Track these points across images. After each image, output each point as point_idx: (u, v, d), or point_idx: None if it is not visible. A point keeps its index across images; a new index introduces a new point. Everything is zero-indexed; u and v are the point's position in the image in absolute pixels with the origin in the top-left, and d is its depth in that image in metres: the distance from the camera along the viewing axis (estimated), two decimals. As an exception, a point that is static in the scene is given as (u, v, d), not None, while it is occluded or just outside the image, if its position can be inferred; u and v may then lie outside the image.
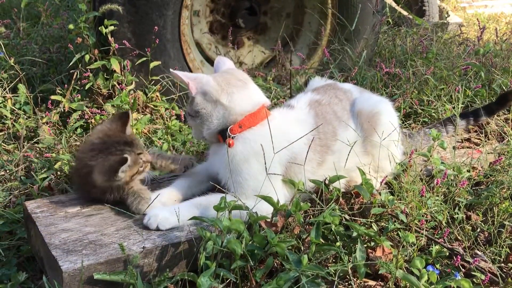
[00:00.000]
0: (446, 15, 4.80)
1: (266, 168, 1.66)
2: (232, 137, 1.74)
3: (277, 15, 3.62)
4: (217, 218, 1.51)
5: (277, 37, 3.46)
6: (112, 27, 2.76)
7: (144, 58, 2.77)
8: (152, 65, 2.79)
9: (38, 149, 2.49)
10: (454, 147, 2.27)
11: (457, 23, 4.95)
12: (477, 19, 3.74)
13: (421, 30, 4.17)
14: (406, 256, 1.68)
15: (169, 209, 1.67)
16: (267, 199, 1.62)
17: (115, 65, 2.75)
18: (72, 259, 1.48)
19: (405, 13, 5.00)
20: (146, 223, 1.66)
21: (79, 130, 2.69)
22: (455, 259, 1.70)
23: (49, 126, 2.57)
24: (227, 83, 1.78)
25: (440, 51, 3.29)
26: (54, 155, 2.28)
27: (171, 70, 1.77)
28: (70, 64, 2.84)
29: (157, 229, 1.65)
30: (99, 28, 2.75)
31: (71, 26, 2.88)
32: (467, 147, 2.50)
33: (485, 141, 2.47)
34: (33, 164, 2.35)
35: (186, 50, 3.10)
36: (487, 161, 2.29)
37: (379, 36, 3.62)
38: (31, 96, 2.84)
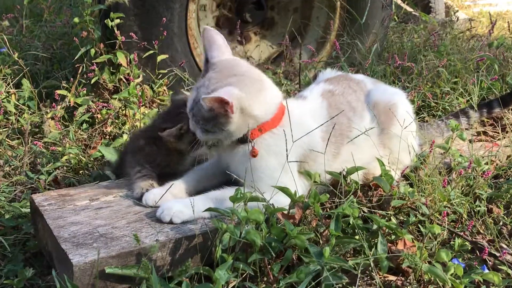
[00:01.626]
0: (454, 11, 4.75)
1: (285, 163, 1.60)
2: (253, 144, 1.64)
3: (284, 10, 3.57)
4: (235, 208, 1.44)
5: (284, 32, 3.41)
6: (118, 20, 2.71)
7: (151, 51, 2.71)
8: (159, 58, 2.74)
9: (43, 144, 2.43)
10: (470, 141, 2.21)
11: (465, 19, 4.89)
12: (489, 12, 3.68)
13: (428, 26, 4.11)
14: (430, 249, 1.61)
15: (184, 202, 1.61)
16: (284, 190, 1.56)
17: (121, 58, 2.69)
18: (83, 252, 1.42)
19: (410, 9, 4.95)
20: (159, 216, 1.59)
21: (84, 125, 2.63)
22: (478, 252, 1.65)
23: (55, 121, 2.51)
24: (255, 91, 1.62)
25: (451, 45, 3.23)
26: (60, 149, 2.22)
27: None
28: (76, 58, 2.79)
29: (170, 222, 1.59)
30: (105, 21, 2.70)
31: (76, 20, 2.82)
32: (483, 141, 2.44)
33: (503, 135, 2.40)
34: (38, 159, 2.30)
35: (193, 45, 3.04)
36: (504, 154, 2.23)
37: (388, 30, 3.56)
38: (36, 92, 2.78)
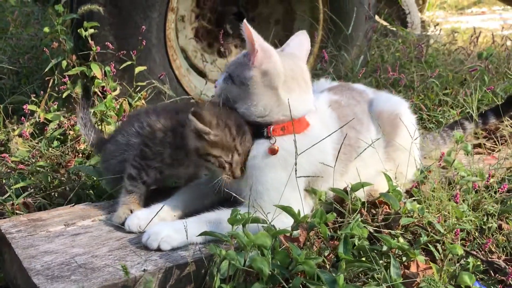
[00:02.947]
0: (434, 24, 4.75)
1: (293, 178, 1.45)
2: (274, 141, 1.51)
3: (265, 22, 3.46)
4: (236, 232, 1.27)
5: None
6: (92, 30, 2.53)
7: (129, 62, 2.52)
8: (137, 70, 2.56)
9: (9, 163, 2.20)
10: (471, 153, 2.10)
11: (441, 34, 4.90)
12: (474, 27, 3.67)
13: (409, 40, 4.07)
14: (449, 271, 1.46)
15: (173, 226, 1.43)
16: (287, 210, 1.40)
17: (96, 70, 2.50)
18: (59, 286, 1.22)
19: (385, 23, 4.93)
20: (145, 242, 1.41)
21: (55, 143, 2.42)
22: (493, 273, 1.52)
23: (23, 138, 2.29)
24: (292, 78, 1.54)
25: (437, 57, 3.17)
26: (29, 168, 2.01)
27: (244, 21, 1.46)
28: (46, 70, 2.59)
29: (158, 249, 1.40)
30: (78, 31, 2.51)
31: (46, 29, 2.62)
32: (481, 153, 2.34)
33: (501, 147, 2.31)
34: (4, 180, 2.08)
35: (172, 56, 2.88)
36: (503, 167, 2.13)
37: (371, 43, 3.48)
38: (1, 108, 2.56)
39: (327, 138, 1.53)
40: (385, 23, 5.05)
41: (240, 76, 1.52)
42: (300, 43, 1.68)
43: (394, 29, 4.79)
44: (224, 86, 1.57)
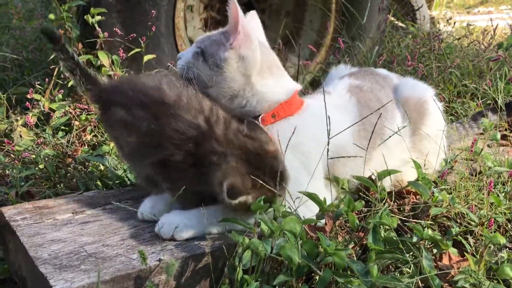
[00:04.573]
0: (447, 19, 4.67)
1: (310, 165, 1.36)
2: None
3: (275, 14, 3.36)
4: (262, 217, 1.17)
5: (276, 37, 3.19)
6: (99, 17, 2.44)
7: (138, 50, 2.43)
8: (146, 58, 2.46)
9: (13, 154, 2.11)
10: (498, 142, 2.00)
11: (450, 30, 4.81)
12: (490, 18, 3.58)
13: (419, 35, 3.98)
14: (490, 263, 1.36)
15: (188, 214, 1.33)
16: (313, 197, 1.30)
17: (103, 58, 2.41)
18: (68, 276, 1.12)
19: (391, 18, 4.85)
20: (159, 231, 1.31)
21: (60, 133, 2.32)
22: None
23: (28, 128, 2.20)
24: (268, 67, 1.46)
25: (455, 48, 3.08)
26: (34, 156, 1.91)
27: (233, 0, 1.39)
28: (51, 58, 2.49)
29: (172, 239, 1.31)
30: (85, 17, 2.42)
31: (51, 16, 2.54)
32: (504, 145, 2.24)
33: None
34: (7, 170, 1.98)
35: (181, 46, 2.79)
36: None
37: (384, 34, 3.39)
38: (4, 97, 2.47)
39: (340, 119, 1.44)
40: (391, 18, 4.97)
41: (215, 56, 1.43)
42: (259, 29, 1.61)
43: (403, 25, 4.70)
44: (193, 62, 1.46)
